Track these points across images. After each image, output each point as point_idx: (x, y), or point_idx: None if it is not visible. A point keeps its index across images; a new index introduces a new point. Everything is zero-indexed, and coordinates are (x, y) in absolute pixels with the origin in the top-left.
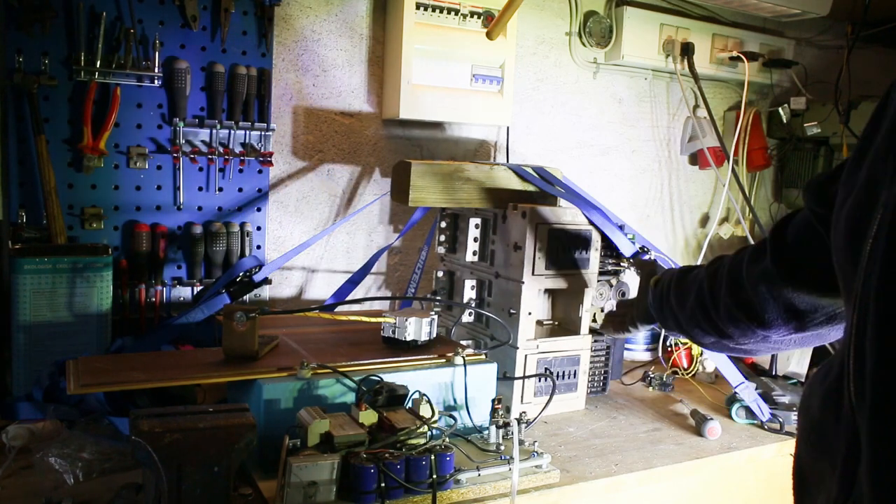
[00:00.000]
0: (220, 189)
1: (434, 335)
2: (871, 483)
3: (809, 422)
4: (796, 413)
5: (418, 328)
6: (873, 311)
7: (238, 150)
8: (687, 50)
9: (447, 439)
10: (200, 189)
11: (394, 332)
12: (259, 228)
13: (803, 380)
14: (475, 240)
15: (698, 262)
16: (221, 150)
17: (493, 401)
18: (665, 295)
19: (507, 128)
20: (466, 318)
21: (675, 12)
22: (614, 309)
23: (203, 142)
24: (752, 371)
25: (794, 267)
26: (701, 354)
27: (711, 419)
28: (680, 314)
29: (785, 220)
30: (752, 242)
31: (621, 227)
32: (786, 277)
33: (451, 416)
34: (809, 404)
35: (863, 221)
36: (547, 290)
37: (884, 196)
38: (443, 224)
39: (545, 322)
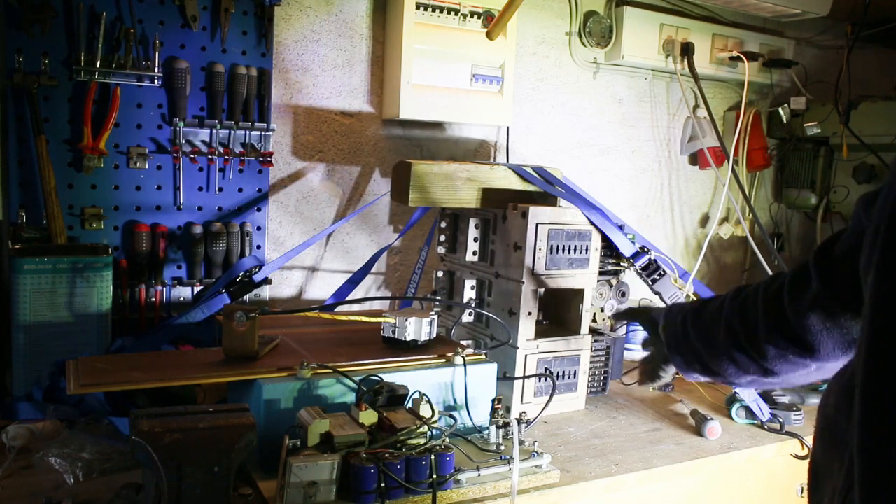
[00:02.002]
0: (220, 189)
1: (434, 335)
2: (861, 470)
3: (825, 419)
4: (797, 413)
5: (418, 328)
6: (868, 307)
7: (238, 150)
8: (687, 50)
9: (447, 439)
10: (200, 189)
11: (394, 332)
12: (259, 228)
13: None
14: (475, 240)
15: (697, 263)
16: (221, 150)
17: (493, 401)
18: (681, 335)
19: (507, 128)
20: (466, 318)
21: (675, 12)
22: (646, 357)
23: (203, 142)
24: None
25: (850, 288)
26: None
27: (711, 419)
28: (709, 358)
29: (829, 242)
30: (773, 267)
31: (621, 227)
32: (842, 302)
33: (451, 416)
34: (826, 402)
35: (880, 222)
36: (547, 290)
37: (892, 198)
38: (443, 224)
39: (545, 322)
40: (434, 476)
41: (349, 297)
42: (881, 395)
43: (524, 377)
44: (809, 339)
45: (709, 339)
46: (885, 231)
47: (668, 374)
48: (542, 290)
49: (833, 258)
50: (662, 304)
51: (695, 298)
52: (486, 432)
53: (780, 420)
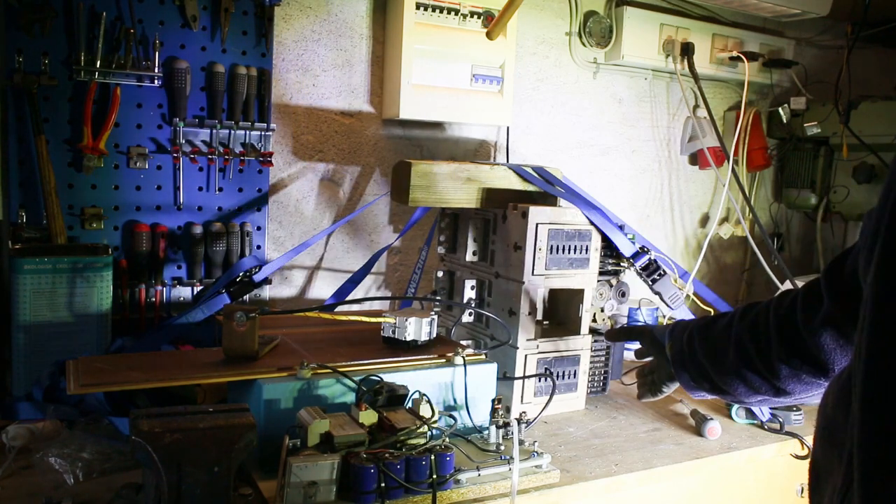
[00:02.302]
0: (221, 189)
1: (434, 335)
2: (860, 468)
3: (824, 418)
4: (797, 413)
5: (418, 328)
6: (869, 305)
7: (238, 150)
8: (687, 50)
9: (447, 439)
10: (200, 189)
11: (394, 332)
12: (259, 228)
13: None
14: (475, 240)
15: (697, 263)
16: (221, 150)
17: (493, 401)
18: (687, 353)
19: (507, 128)
20: (466, 318)
21: (675, 12)
22: (643, 369)
23: (203, 142)
24: None
25: (859, 302)
26: None
27: (711, 419)
28: (718, 376)
29: (840, 258)
30: (786, 286)
31: (621, 227)
32: (854, 319)
33: (451, 416)
34: (826, 402)
35: (881, 222)
36: (547, 290)
37: (892, 196)
38: (443, 224)
39: (545, 322)
40: (434, 476)
41: (349, 297)
42: (881, 394)
43: (524, 377)
44: (823, 357)
45: (718, 358)
46: (885, 230)
47: (671, 389)
48: (545, 291)
49: (843, 275)
50: (663, 304)
51: (696, 300)
52: (486, 432)
53: (780, 420)
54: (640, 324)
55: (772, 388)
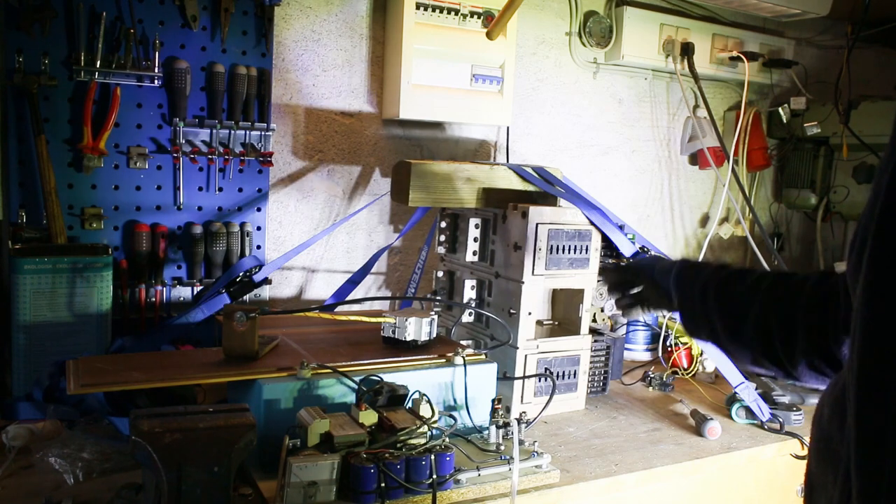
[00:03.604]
0: (220, 189)
1: (434, 335)
2: (859, 484)
3: (819, 431)
4: (797, 413)
5: (418, 328)
6: (859, 317)
7: (238, 150)
8: (687, 50)
9: (447, 439)
10: (200, 189)
11: (394, 332)
12: (259, 228)
13: None
14: (475, 240)
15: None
16: (221, 150)
17: (493, 401)
18: (701, 311)
19: (507, 128)
20: (466, 318)
21: (675, 12)
22: (611, 271)
23: (203, 142)
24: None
25: None
26: (701, 354)
27: (711, 419)
28: (728, 342)
29: None
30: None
31: (621, 227)
32: None
33: (451, 416)
34: (821, 414)
35: (867, 230)
36: (547, 290)
37: (878, 207)
38: (443, 224)
39: (545, 322)
40: (434, 476)
41: (349, 297)
42: (875, 409)
43: (524, 377)
44: (844, 358)
45: (733, 328)
46: (872, 240)
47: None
48: (548, 290)
49: None
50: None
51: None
52: (486, 432)
53: (780, 420)
54: (644, 257)
55: (784, 373)
